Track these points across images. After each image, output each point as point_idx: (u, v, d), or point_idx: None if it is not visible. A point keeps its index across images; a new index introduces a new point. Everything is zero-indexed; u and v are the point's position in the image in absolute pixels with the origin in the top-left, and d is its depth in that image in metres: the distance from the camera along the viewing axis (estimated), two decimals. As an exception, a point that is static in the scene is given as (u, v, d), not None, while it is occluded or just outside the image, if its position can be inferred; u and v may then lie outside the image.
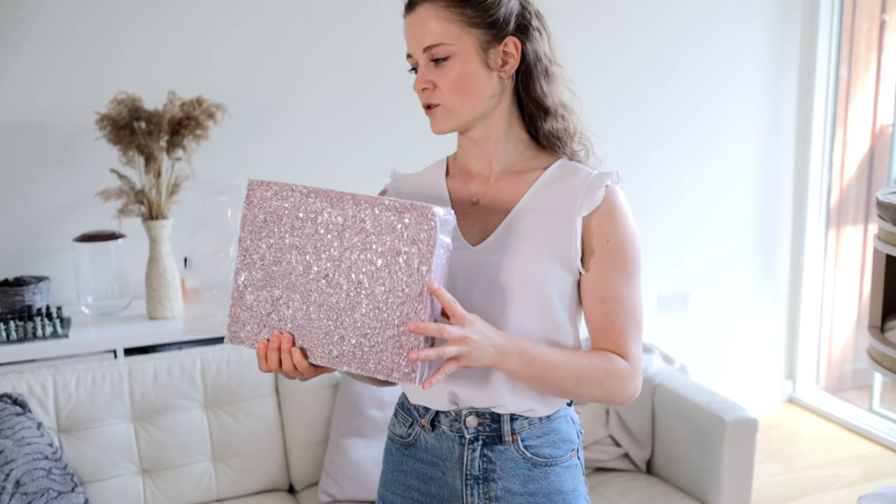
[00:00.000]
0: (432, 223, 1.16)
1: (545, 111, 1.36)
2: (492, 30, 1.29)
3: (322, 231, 1.20)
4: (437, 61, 1.28)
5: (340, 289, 1.19)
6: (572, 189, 1.31)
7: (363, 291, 1.19)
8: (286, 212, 1.21)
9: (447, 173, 1.42)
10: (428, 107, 1.32)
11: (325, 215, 1.20)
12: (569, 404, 1.40)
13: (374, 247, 1.18)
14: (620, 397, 1.30)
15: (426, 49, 1.28)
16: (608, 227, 1.30)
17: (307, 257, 1.20)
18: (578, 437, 1.40)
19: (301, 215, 1.20)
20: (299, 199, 1.21)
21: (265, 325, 1.22)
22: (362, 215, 1.19)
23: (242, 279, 1.23)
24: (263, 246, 1.22)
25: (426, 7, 1.28)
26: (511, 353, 1.21)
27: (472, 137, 1.36)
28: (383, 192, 1.46)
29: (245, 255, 1.23)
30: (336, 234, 1.19)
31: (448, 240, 1.20)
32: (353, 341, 1.19)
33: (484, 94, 1.31)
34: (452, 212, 1.21)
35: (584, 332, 1.36)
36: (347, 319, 1.19)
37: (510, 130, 1.36)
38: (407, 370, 1.17)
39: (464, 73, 1.29)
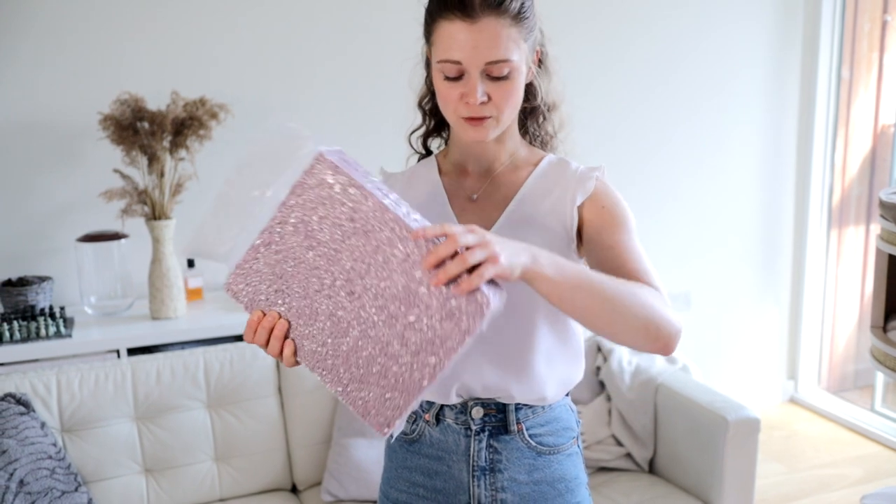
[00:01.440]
0: (480, 321, 1.05)
1: (548, 108, 1.41)
2: (532, 42, 1.31)
3: (369, 249, 1.10)
4: (497, 74, 1.25)
5: (354, 308, 1.11)
6: (564, 181, 1.35)
7: (378, 324, 1.10)
8: (341, 207, 1.10)
9: (439, 170, 1.42)
10: (477, 118, 1.28)
11: (381, 236, 1.09)
12: (566, 394, 1.42)
13: (412, 300, 1.08)
14: (666, 332, 1.18)
15: (490, 63, 1.24)
16: (601, 201, 1.33)
17: (339, 261, 1.11)
18: (577, 425, 1.43)
19: (353, 220, 1.10)
20: (361, 204, 1.09)
21: (266, 298, 1.16)
22: (416, 275, 1.07)
23: (265, 241, 1.15)
24: (301, 225, 1.13)
25: (492, 20, 1.23)
26: (542, 254, 1.12)
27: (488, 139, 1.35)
28: None
29: (280, 221, 1.14)
30: (382, 260, 1.09)
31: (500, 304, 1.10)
32: (343, 363, 1.13)
33: (521, 102, 1.33)
34: (504, 293, 1.10)
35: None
36: (347, 340, 1.12)
37: (515, 130, 1.39)
38: (383, 419, 1.10)
39: (518, 88, 1.29)
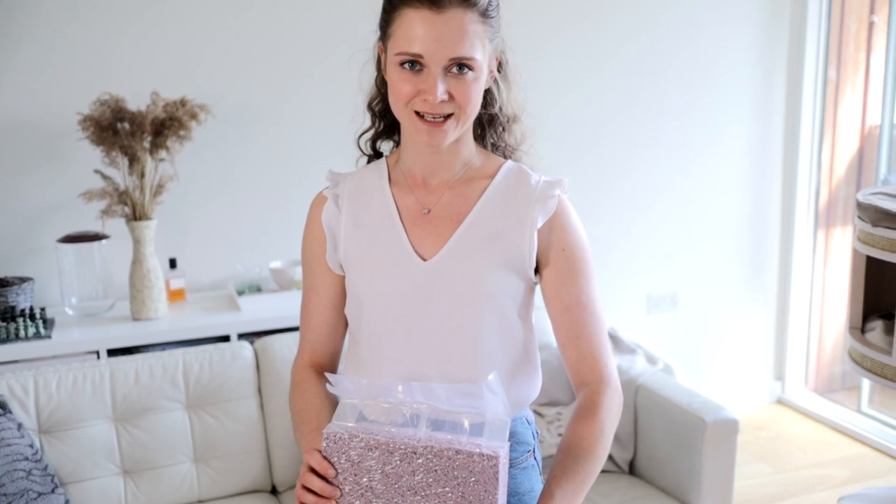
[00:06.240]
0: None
1: (509, 119, 1.36)
2: (495, 45, 1.27)
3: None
4: (459, 71, 1.21)
5: None
6: (523, 197, 1.31)
7: None
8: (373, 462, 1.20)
9: (389, 179, 1.37)
10: (439, 118, 1.22)
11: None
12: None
13: None
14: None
15: (454, 59, 1.20)
16: (562, 236, 1.31)
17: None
18: (534, 437, 1.40)
19: (388, 470, 1.19)
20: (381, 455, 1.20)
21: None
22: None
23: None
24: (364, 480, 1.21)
25: (459, 13, 1.19)
26: None
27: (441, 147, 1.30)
28: (321, 198, 1.40)
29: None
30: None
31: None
32: None
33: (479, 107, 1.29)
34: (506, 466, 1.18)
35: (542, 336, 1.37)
36: None
37: (469, 136, 1.35)
38: None
39: (480, 90, 1.25)
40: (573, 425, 1.27)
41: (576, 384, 1.33)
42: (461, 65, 1.21)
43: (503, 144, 1.39)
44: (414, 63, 1.22)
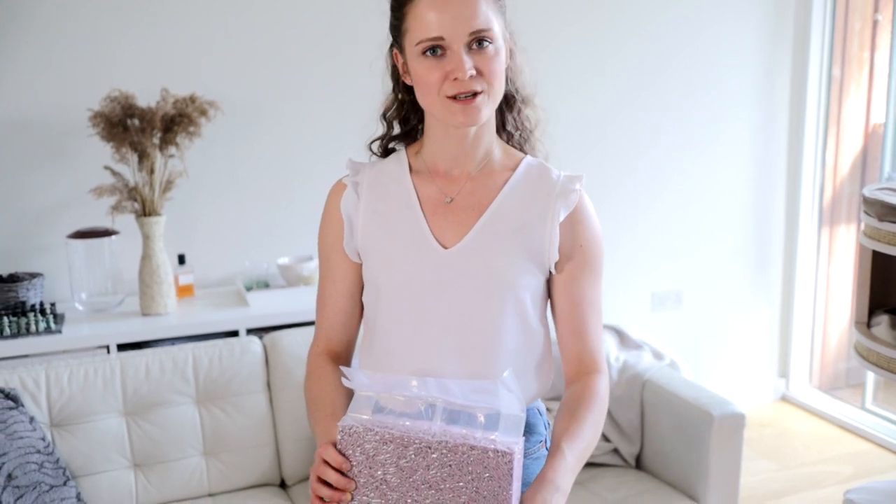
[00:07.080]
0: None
1: (524, 100, 1.38)
2: (505, 24, 1.30)
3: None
4: (480, 46, 1.24)
5: None
6: (545, 191, 1.33)
7: None
8: (388, 456, 1.21)
9: (410, 169, 1.38)
10: (471, 95, 1.24)
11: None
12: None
13: None
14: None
15: (475, 32, 1.23)
16: (581, 232, 1.33)
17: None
18: (546, 428, 1.42)
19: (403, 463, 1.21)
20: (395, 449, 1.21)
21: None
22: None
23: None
24: (379, 473, 1.22)
25: None
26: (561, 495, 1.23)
27: (468, 132, 1.32)
28: (340, 186, 1.41)
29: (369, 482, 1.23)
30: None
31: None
32: None
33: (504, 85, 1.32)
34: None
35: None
36: None
37: (493, 124, 1.37)
38: None
39: (502, 63, 1.27)
40: (578, 408, 1.30)
41: (573, 373, 1.36)
42: (481, 40, 1.24)
43: (521, 128, 1.40)
44: (436, 49, 1.24)
